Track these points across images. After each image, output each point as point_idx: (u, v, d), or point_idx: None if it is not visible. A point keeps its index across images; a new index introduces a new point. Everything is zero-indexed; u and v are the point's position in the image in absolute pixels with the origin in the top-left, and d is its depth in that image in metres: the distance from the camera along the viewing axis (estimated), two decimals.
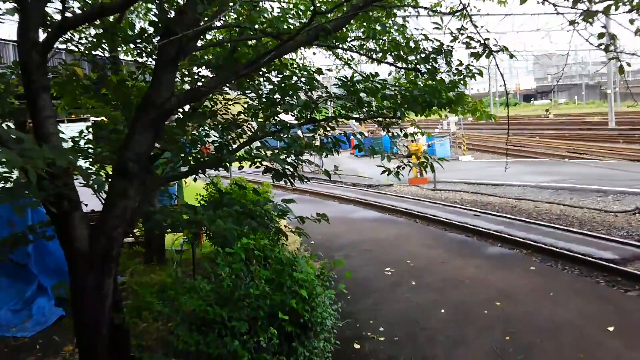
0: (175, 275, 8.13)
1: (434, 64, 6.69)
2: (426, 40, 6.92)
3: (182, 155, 5.97)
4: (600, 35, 6.19)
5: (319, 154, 6.62)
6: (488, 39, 6.42)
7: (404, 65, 6.93)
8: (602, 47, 6.38)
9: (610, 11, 6.07)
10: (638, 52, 8.14)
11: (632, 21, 5.81)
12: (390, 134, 7.18)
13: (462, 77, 6.80)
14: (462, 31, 6.36)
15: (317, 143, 6.79)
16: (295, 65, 8.03)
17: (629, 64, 6.68)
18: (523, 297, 8.83)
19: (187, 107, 6.25)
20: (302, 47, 8.33)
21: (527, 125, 57.75)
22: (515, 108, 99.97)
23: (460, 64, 6.78)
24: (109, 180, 4.98)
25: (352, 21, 6.74)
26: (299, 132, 6.72)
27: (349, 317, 8.10)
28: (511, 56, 6.80)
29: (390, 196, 21.46)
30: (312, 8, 4.96)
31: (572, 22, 6.34)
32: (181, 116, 6.16)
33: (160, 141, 5.69)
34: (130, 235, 10.80)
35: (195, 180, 6.60)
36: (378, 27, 6.90)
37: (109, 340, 4.85)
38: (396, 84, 6.99)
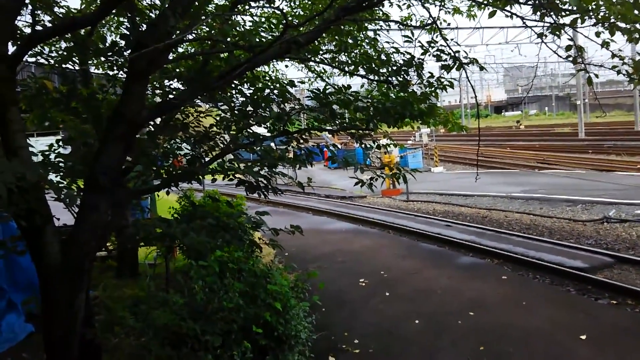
0: (148, 289, 8.05)
1: (406, 76, 6.79)
2: (397, 53, 7.03)
3: (154, 168, 5.95)
4: (568, 48, 6.34)
5: (292, 166, 6.64)
6: (458, 51, 6.55)
7: (376, 78, 7.01)
8: (570, 59, 6.54)
9: (577, 24, 6.22)
10: (605, 63, 8.34)
11: (598, 34, 5.96)
12: (363, 145, 7.24)
13: (433, 89, 6.90)
14: (432, 44, 6.47)
15: (291, 155, 6.82)
16: (267, 78, 8.08)
17: (596, 76, 6.84)
18: (495, 307, 8.91)
19: (158, 120, 6.23)
20: (274, 60, 8.38)
21: (498, 136, 58.50)
22: (486, 119, 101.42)
23: (432, 76, 6.88)
24: (81, 194, 4.94)
25: (324, 34, 6.81)
26: (272, 144, 6.74)
27: (324, 329, 8.08)
28: (481, 68, 6.93)
29: (363, 207, 21.51)
30: (284, 21, 5.01)
31: (540, 35, 6.49)
32: (152, 129, 6.15)
33: (132, 154, 5.66)
34: (103, 249, 10.67)
35: (167, 193, 6.57)
36: (350, 40, 6.99)
37: (80, 357, 4.79)
38: (369, 96, 7.06)
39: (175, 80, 6.65)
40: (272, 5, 7.49)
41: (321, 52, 7.43)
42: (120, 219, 5.79)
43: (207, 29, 6.65)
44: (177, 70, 7.01)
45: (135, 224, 5.69)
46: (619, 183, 21.05)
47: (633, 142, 38.29)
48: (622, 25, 5.76)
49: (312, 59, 7.36)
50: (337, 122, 6.90)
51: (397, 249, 13.85)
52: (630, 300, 9.03)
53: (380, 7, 8.21)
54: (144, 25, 5.23)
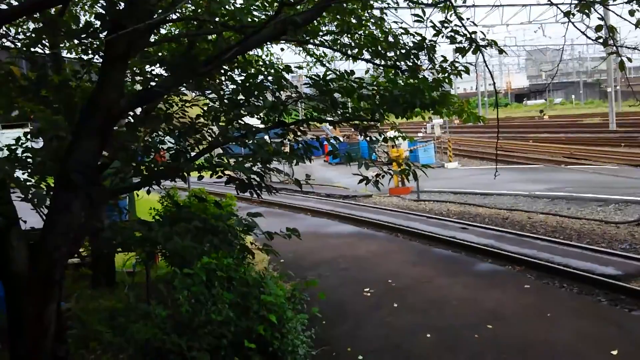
0: (127, 300, 8.06)
1: (416, 61, 6.77)
2: (406, 35, 7.01)
3: (134, 164, 5.94)
4: (598, 28, 6.33)
5: (288, 161, 6.63)
6: (475, 32, 6.53)
7: (383, 62, 7.00)
8: (600, 40, 6.53)
9: (609, 1, 6.22)
10: (639, 46, 8.34)
11: (632, 12, 5.95)
12: (368, 138, 7.23)
13: (446, 74, 6.89)
14: (445, 24, 6.46)
15: (287, 149, 6.81)
16: (261, 63, 8.07)
17: (630, 59, 6.84)
18: (517, 319, 8.91)
19: (138, 110, 6.22)
20: (268, 42, 8.38)
21: (519, 127, 58.50)
22: (506, 109, 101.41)
23: (445, 60, 6.87)
24: (51, 193, 4.94)
25: (324, 14, 6.80)
26: (266, 137, 6.73)
27: (324, 344, 8.09)
28: (501, 51, 6.92)
29: (368, 208, 21.51)
30: None
31: (567, 14, 6.47)
32: (132, 120, 6.14)
33: (109, 149, 5.66)
34: (75, 255, 10.67)
35: (148, 192, 6.57)
36: (353, 20, 6.96)
37: None
38: (374, 83, 7.04)
39: (158, 65, 6.63)
40: None
41: (321, 34, 7.41)
42: (95, 222, 5.78)
43: (193, 8, 6.63)
44: (160, 54, 7.00)
45: (112, 227, 5.69)
46: None
47: None
48: None
49: (311, 41, 7.35)
50: (339, 113, 6.88)
51: (407, 254, 13.85)
52: None
53: None
54: (122, 4, 5.21)
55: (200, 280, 6.08)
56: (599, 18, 6.22)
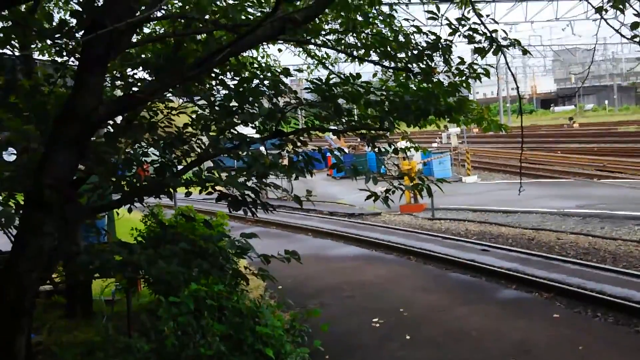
0: (106, 332, 8.03)
1: (430, 63, 6.79)
2: (419, 34, 7.03)
3: (113, 179, 5.95)
4: (634, 26, 6.35)
5: (287, 176, 6.64)
6: (496, 31, 6.55)
7: (392, 65, 7.02)
8: (637, 40, 6.54)
9: None
10: None
11: None
12: (376, 149, 7.23)
13: (464, 78, 6.91)
14: (463, 22, 6.48)
15: (285, 162, 6.82)
16: (256, 65, 8.09)
17: None
18: (545, 353, 8.88)
19: (119, 119, 6.24)
20: (264, 43, 8.41)
21: (546, 137, 58.56)
22: (531, 116, 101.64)
23: (462, 62, 6.89)
24: (20, 212, 4.94)
25: (327, 10, 6.83)
26: (262, 148, 6.74)
27: None
28: (525, 52, 6.93)
29: (377, 228, 21.48)
30: None
31: (598, 10, 6.50)
32: (112, 130, 6.15)
33: (85, 162, 5.66)
34: (48, 282, 10.66)
35: (130, 211, 6.57)
36: (359, 18, 6.99)
37: None
38: (383, 88, 7.06)
39: (141, 68, 6.66)
40: None
41: (323, 33, 7.44)
42: (69, 244, 5.79)
43: (181, 5, 6.67)
44: (143, 55, 7.03)
45: (89, 250, 5.68)
46: None
47: None
48: None
49: (313, 41, 7.37)
50: (344, 121, 6.90)
51: (420, 279, 13.82)
52: None
53: None
54: (101, 0, 5.24)
55: (187, 310, 6.06)
56: (634, 14, 6.23)
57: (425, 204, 23.78)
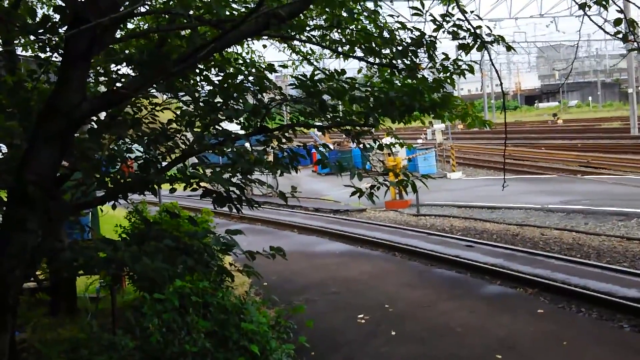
0: (90, 329, 8.01)
1: (414, 59, 6.80)
2: (404, 30, 7.04)
3: (97, 176, 5.92)
4: (617, 22, 6.39)
5: (272, 172, 6.63)
6: (480, 27, 6.57)
7: (377, 61, 7.02)
8: (620, 36, 6.59)
9: None
10: None
11: None
12: (361, 145, 7.24)
13: (448, 74, 6.92)
14: (447, 18, 6.49)
15: (270, 158, 6.81)
16: (240, 61, 8.07)
17: None
18: (529, 348, 8.92)
19: (103, 115, 6.21)
20: (249, 38, 8.39)
21: (530, 133, 58.82)
22: (515, 112, 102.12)
23: (446, 58, 6.90)
24: (3, 208, 4.91)
25: (312, 6, 6.82)
26: (247, 144, 6.73)
27: None
28: (509, 48, 6.96)
29: (362, 224, 21.52)
30: None
31: (582, 6, 6.53)
32: (95, 126, 6.13)
33: (69, 158, 5.63)
34: (32, 279, 10.61)
35: (114, 207, 6.54)
36: (344, 14, 6.98)
37: None
38: (368, 84, 7.07)
39: (125, 64, 6.63)
40: None
41: (308, 29, 7.43)
42: (53, 241, 5.76)
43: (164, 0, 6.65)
44: (127, 51, 7.00)
45: (73, 247, 5.65)
46: None
47: None
48: None
49: (297, 36, 7.36)
50: (329, 117, 6.90)
51: (405, 275, 13.86)
52: None
53: None
54: None
55: (172, 307, 6.06)
56: (617, 11, 6.28)
57: (410, 200, 23.84)
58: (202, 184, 5.91)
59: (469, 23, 6.48)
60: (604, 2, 6.19)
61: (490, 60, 7.25)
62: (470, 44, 6.58)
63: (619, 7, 6.32)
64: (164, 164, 6.31)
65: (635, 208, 18.90)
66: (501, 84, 7.71)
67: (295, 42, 9.44)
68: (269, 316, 6.63)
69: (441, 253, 15.42)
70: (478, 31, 6.53)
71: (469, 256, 14.88)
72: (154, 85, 6.31)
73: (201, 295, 6.40)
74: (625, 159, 33.73)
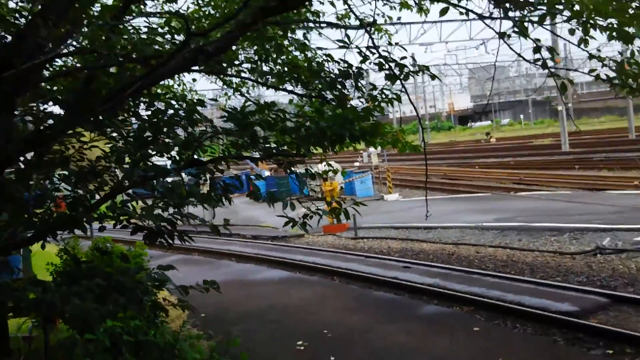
0: None
1: (342, 90, 6.92)
2: (332, 62, 7.16)
3: (25, 216, 5.85)
4: (536, 50, 6.64)
5: (207, 204, 6.64)
6: (404, 57, 6.74)
7: (306, 92, 7.12)
8: (539, 62, 6.83)
9: (547, 21, 6.53)
10: (581, 67, 8.71)
11: (572, 31, 6.28)
12: (293, 175, 7.31)
13: (377, 103, 7.05)
14: (372, 50, 6.65)
15: (206, 189, 6.81)
16: (170, 95, 8.07)
17: (571, 82, 7.18)
18: None
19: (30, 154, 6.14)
20: (178, 73, 8.41)
21: (464, 153, 59.76)
22: (449, 132, 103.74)
23: (374, 88, 7.04)
24: None
25: (242, 39, 6.89)
26: (185, 176, 6.73)
27: None
28: (433, 77, 7.14)
29: (301, 250, 21.49)
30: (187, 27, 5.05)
31: (502, 36, 6.77)
32: (23, 166, 6.06)
33: None
34: None
35: (43, 247, 6.46)
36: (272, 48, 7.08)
37: None
38: (299, 113, 7.14)
39: (52, 103, 6.58)
40: (172, 2, 7.54)
41: (237, 62, 7.50)
42: None
43: (91, 37, 6.63)
44: (55, 88, 6.94)
45: (2, 289, 5.56)
46: (613, 204, 21.75)
47: (627, 154, 39.38)
48: (600, 22, 6.09)
49: (227, 70, 7.42)
50: (260, 148, 6.95)
51: (345, 300, 13.90)
52: (629, 349, 9.16)
53: (310, 3, 8.36)
54: (8, 37, 5.17)
55: (103, 347, 5.98)
56: (533, 40, 6.52)
57: (348, 223, 23.89)
58: (132, 220, 5.89)
59: (389, 56, 6.63)
60: (524, 33, 6.43)
61: (404, 90, 7.36)
62: (396, 74, 6.74)
63: (536, 40, 6.55)
64: (93, 201, 6.27)
65: (567, 223, 19.34)
66: (417, 114, 7.87)
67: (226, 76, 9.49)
68: (203, 352, 6.59)
69: (379, 275, 15.49)
70: (404, 61, 6.70)
71: (407, 277, 14.99)
72: (82, 124, 6.27)
73: (133, 334, 6.34)
74: (557, 174, 34.55)
